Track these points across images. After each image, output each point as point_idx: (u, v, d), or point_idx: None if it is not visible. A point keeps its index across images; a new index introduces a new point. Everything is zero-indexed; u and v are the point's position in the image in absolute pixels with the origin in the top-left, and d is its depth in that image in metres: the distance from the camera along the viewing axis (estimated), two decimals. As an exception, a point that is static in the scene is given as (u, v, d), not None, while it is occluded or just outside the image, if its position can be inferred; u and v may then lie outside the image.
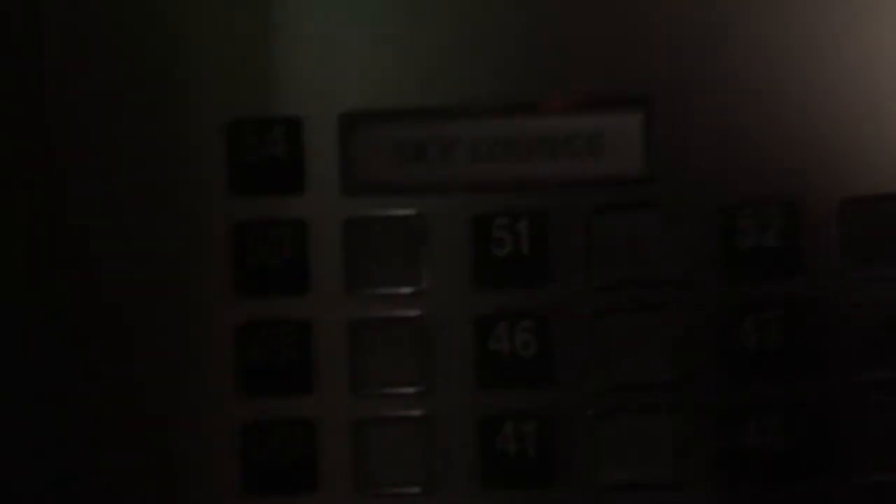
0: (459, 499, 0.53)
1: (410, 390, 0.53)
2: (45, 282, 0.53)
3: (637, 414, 0.52)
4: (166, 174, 0.53)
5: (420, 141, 0.52)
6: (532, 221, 0.52)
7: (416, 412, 0.53)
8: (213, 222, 0.52)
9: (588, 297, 0.52)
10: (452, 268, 0.52)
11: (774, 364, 0.52)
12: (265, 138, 0.52)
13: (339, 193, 0.52)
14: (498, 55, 0.52)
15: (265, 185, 0.52)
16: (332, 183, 0.52)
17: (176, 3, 0.53)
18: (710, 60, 0.51)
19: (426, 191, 0.52)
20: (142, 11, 0.53)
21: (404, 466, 0.53)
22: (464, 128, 0.52)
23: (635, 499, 0.52)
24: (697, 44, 0.51)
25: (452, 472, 0.53)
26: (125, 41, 0.52)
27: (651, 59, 0.51)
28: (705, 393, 0.52)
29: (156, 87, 0.53)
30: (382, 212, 0.52)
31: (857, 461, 0.52)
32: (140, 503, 0.53)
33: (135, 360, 0.53)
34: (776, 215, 0.51)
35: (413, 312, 0.52)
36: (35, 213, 0.53)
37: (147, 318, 0.53)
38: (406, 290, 0.52)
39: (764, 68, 0.51)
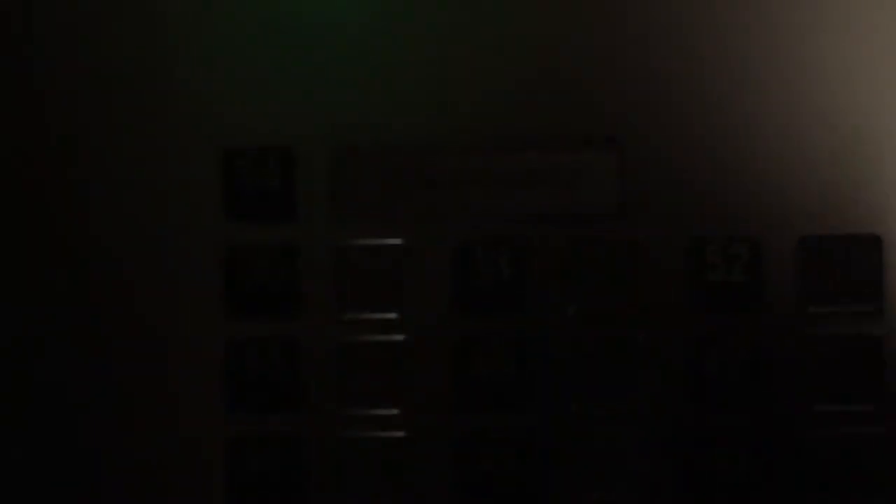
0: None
1: (392, 412, 0.55)
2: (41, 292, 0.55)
3: (607, 439, 0.55)
4: (164, 197, 0.55)
5: (405, 173, 0.54)
6: (512, 252, 0.54)
7: (398, 433, 0.55)
8: (208, 246, 0.55)
9: (564, 325, 0.55)
10: (435, 294, 0.55)
11: (736, 394, 0.54)
12: (260, 167, 0.54)
13: (329, 222, 0.55)
14: (481, 94, 0.54)
15: (259, 212, 0.54)
16: (322, 212, 0.54)
17: (176, 40, 0.55)
18: (680, 103, 0.54)
19: (411, 221, 0.54)
20: (142, 41, 0.55)
21: (386, 486, 0.55)
22: (447, 161, 0.54)
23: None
24: (669, 87, 0.54)
25: (432, 493, 0.55)
26: (124, 63, 0.54)
27: (625, 101, 0.54)
28: (672, 421, 0.55)
29: (157, 113, 0.55)
30: (369, 240, 0.55)
31: (812, 490, 0.54)
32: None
33: (126, 377, 0.55)
34: (741, 251, 0.54)
35: (396, 337, 0.55)
36: (37, 224, 0.55)
37: (141, 335, 0.55)
38: (390, 315, 0.55)
39: (731, 112, 0.54)
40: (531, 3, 0.54)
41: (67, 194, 0.55)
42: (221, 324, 0.54)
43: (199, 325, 0.54)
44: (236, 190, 0.54)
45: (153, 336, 0.55)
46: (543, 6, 0.54)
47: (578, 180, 0.55)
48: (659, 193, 0.54)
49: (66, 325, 0.55)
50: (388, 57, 0.54)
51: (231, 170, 0.54)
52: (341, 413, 0.54)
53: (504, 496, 0.54)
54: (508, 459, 0.54)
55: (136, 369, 0.55)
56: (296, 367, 0.54)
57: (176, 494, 0.55)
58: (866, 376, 0.54)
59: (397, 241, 0.54)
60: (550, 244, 0.54)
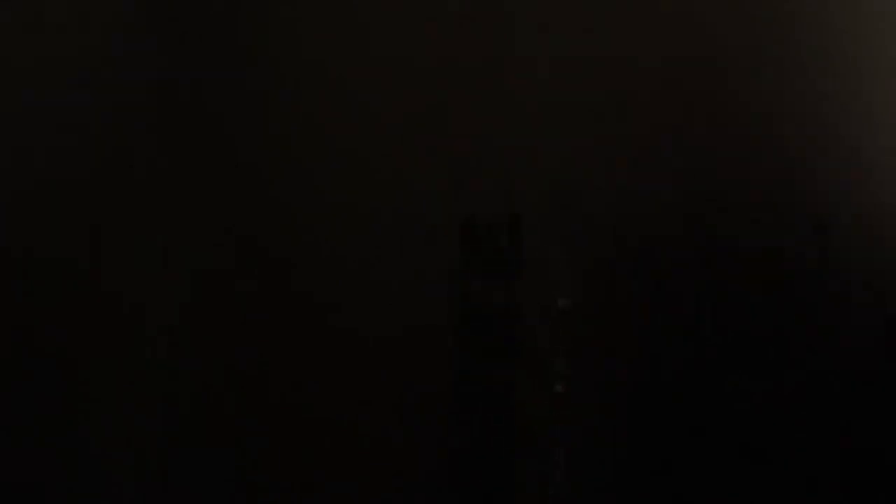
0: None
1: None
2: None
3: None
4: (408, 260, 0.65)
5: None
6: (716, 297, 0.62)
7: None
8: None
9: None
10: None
11: None
12: (492, 232, 0.64)
13: (548, 282, 0.64)
14: (686, 169, 0.62)
15: (491, 271, 0.64)
16: (545, 276, 0.64)
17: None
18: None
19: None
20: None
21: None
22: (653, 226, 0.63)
23: None
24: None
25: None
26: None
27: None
28: None
29: (410, 182, 0.65)
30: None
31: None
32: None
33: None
34: None
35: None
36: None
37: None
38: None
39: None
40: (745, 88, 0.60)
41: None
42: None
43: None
44: (471, 252, 0.64)
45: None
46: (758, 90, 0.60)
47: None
48: None
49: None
50: (606, 136, 0.63)
51: (468, 233, 0.64)
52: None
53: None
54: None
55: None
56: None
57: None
58: None
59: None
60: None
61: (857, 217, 0.60)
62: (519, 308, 0.64)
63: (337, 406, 0.65)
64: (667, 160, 0.63)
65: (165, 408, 0.67)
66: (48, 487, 0.68)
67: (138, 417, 0.67)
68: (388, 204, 0.65)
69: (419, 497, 0.64)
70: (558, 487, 0.62)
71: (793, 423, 0.60)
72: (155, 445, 0.67)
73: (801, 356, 0.60)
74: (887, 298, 0.59)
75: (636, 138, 0.63)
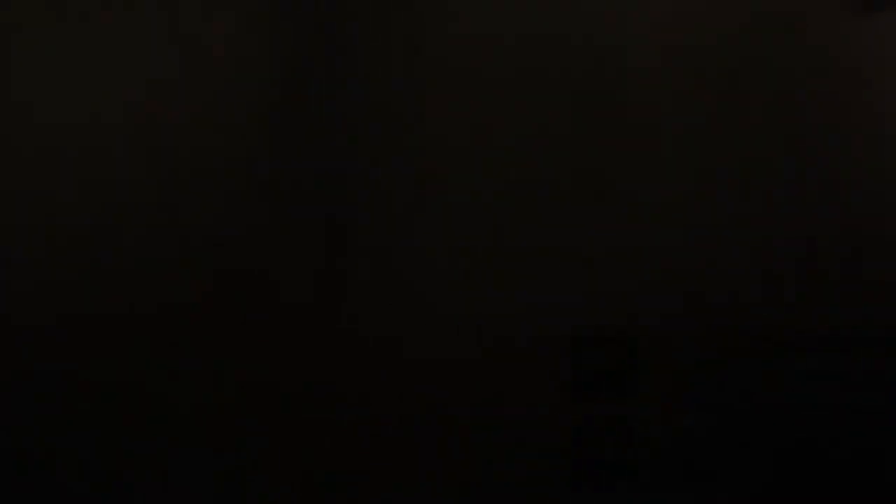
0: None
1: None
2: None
3: None
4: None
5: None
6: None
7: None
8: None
9: None
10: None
11: None
12: (601, 352, 0.63)
13: (664, 400, 0.62)
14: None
15: (602, 391, 0.63)
16: (659, 393, 0.63)
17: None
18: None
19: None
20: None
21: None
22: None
23: None
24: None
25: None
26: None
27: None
28: None
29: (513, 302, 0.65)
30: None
31: None
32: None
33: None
34: None
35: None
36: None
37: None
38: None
39: None
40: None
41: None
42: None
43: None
44: (580, 371, 0.63)
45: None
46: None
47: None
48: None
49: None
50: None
51: (577, 353, 0.63)
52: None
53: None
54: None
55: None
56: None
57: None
58: None
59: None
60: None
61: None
62: (632, 429, 0.64)
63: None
64: (789, 276, 0.64)
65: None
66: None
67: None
68: (501, 319, 0.64)
69: None
70: None
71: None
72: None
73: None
74: None
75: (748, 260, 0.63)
